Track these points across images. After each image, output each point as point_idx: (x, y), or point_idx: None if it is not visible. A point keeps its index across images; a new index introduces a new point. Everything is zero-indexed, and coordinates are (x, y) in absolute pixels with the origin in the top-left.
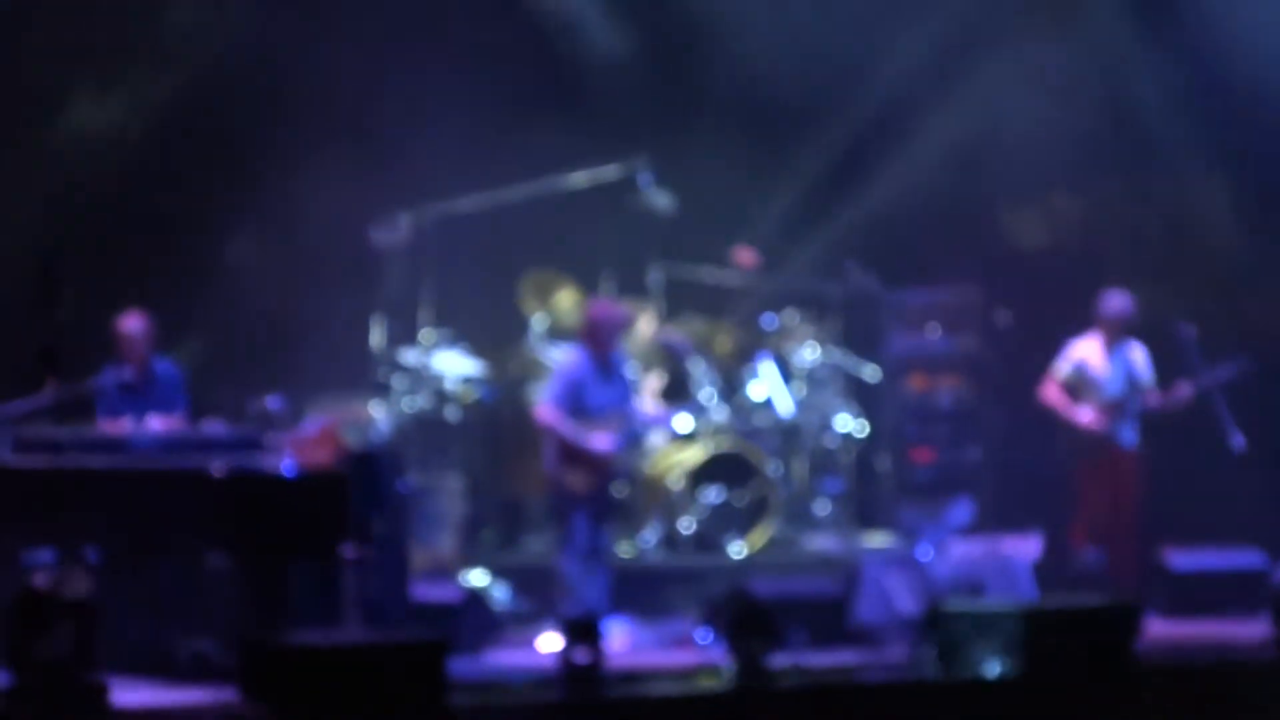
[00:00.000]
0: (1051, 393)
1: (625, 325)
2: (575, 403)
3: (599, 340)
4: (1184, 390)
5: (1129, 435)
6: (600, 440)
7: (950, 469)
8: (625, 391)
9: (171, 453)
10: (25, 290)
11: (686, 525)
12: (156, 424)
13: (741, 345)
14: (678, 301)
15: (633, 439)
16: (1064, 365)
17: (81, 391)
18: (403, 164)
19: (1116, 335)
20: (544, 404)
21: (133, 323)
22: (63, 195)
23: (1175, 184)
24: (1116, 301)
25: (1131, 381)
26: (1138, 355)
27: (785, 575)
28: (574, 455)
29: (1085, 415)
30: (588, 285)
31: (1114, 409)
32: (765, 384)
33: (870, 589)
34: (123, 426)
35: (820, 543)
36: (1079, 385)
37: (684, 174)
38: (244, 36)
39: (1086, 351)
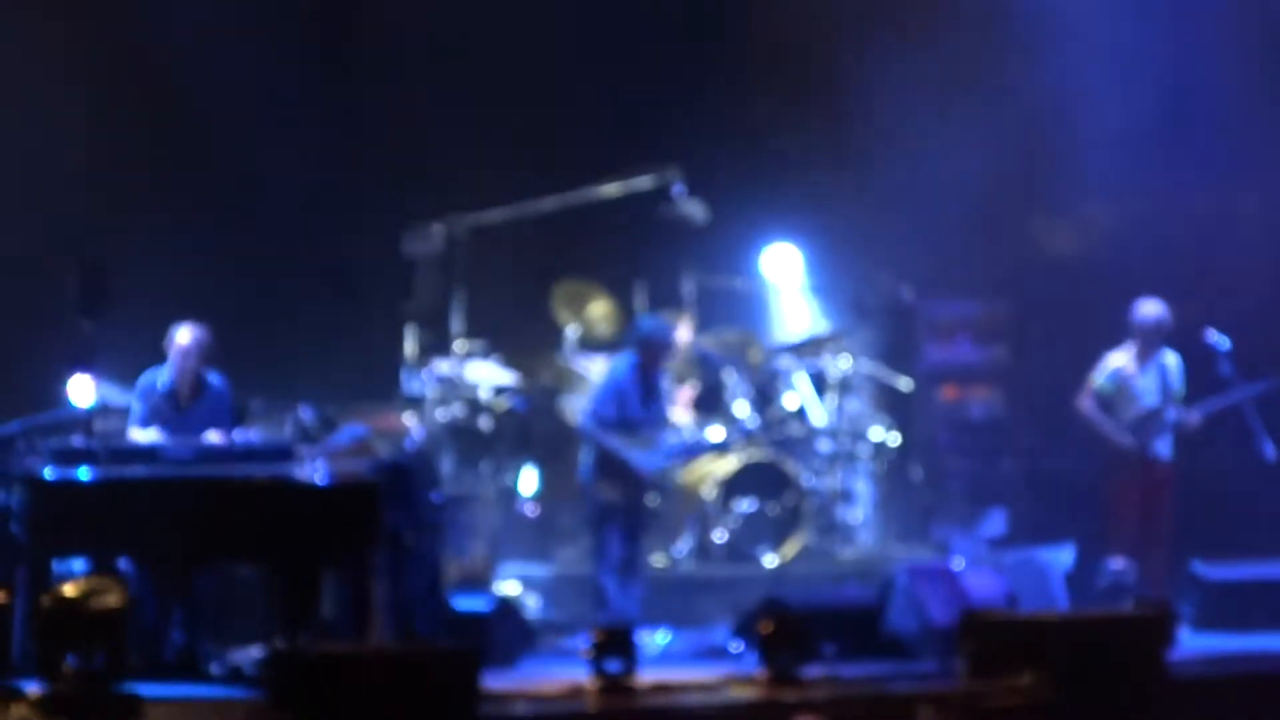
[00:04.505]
0: (1086, 406)
1: (671, 345)
2: (620, 412)
3: (652, 357)
4: (1193, 416)
5: (1163, 447)
6: (642, 458)
7: (983, 480)
8: (663, 412)
9: (205, 462)
10: (66, 294)
11: (719, 535)
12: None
13: (774, 355)
14: (711, 312)
15: (670, 459)
16: (1099, 375)
17: (118, 400)
18: (436, 174)
19: (1152, 344)
20: (588, 412)
21: (187, 335)
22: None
23: (1209, 194)
24: (1150, 309)
25: (1166, 392)
26: (1172, 364)
27: (818, 585)
28: (611, 467)
29: (1122, 437)
30: (620, 296)
31: (1149, 420)
32: (798, 394)
33: (903, 599)
34: (151, 435)
35: (853, 553)
36: (1116, 396)
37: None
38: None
39: (1122, 362)
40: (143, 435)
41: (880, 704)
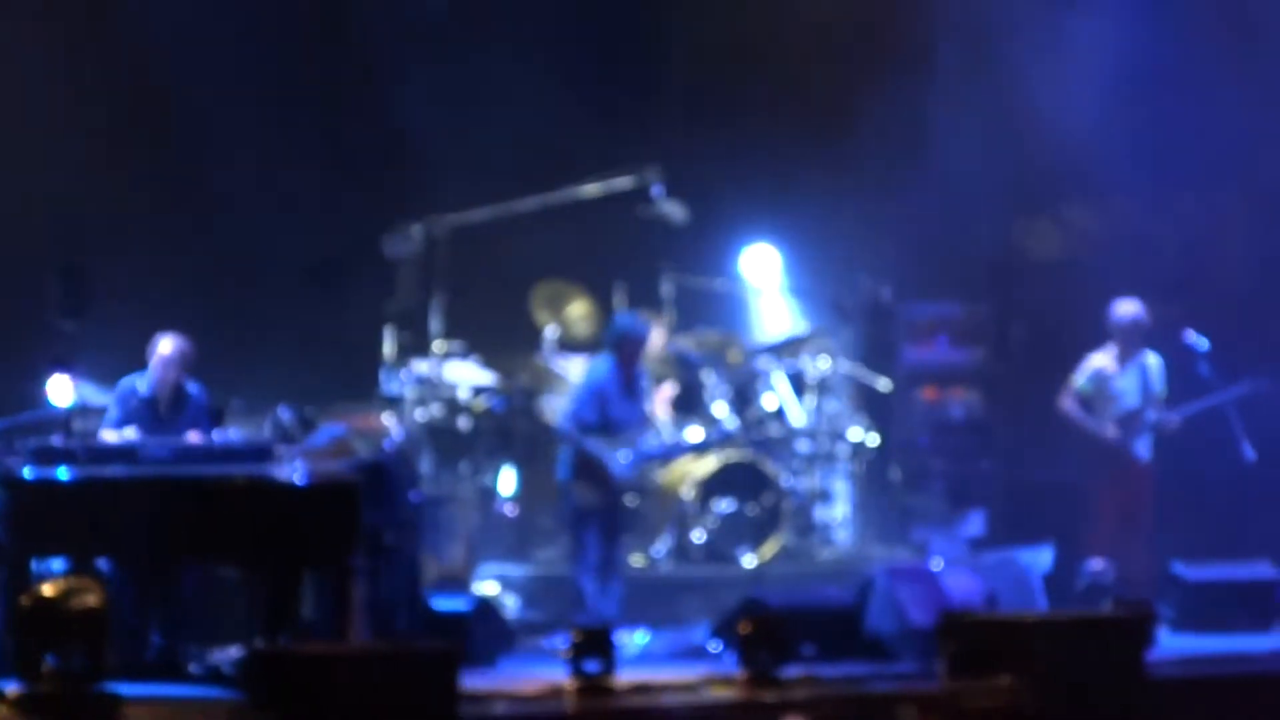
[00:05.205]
0: (1068, 406)
1: (647, 340)
2: (601, 414)
3: (628, 353)
4: (1174, 418)
5: (1143, 448)
6: (620, 460)
7: (962, 481)
8: (643, 413)
9: (184, 462)
10: (46, 294)
11: (698, 536)
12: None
13: (753, 356)
14: (690, 312)
15: (649, 460)
16: (1080, 376)
17: (97, 400)
18: (416, 174)
19: (1131, 345)
20: (568, 414)
21: (170, 345)
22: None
23: (1191, 197)
24: (1126, 309)
25: (1147, 393)
26: (1154, 365)
27: (797, 586)
28: (589, 468)
29: (1107, 430)
30: (600, 296)
31: (1130, 420)
32: (777, 395)
33: (882, 600)
34: (126, 436)
35: (831, 553)
36: (1096, 397)
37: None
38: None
39: (1103, 362)
40: (115, 437)
41: (860, 704)
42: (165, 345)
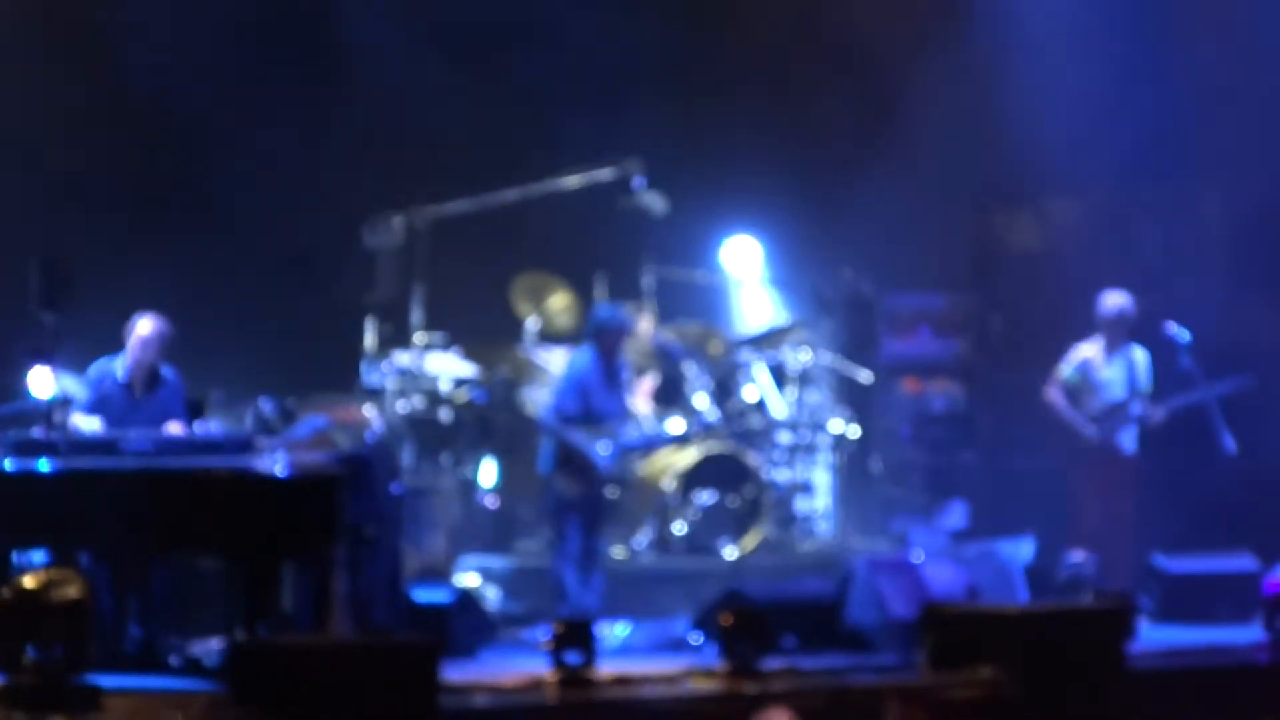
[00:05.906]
0: (1053, 396)
1: (630, 333)
2: (582, 405)
3: (609, 344)
4: (1159, 413)
5: (1128, 441)
6: (600, 447)
7: (943, 472)
8: (624, 404)
9: (165, 454)
10: (27, 286)
11: (679, 527)
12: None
13: (734, 348)
14: (671, 304)
15: (630, 450)
16: (1066, 367)
17: (73, 387)
18: (397, 165)
19: (1118, 336)
20: (550, 407)
21: (149, 325)
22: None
23: (1170, 188)
24: (1112, 300)
25: (1133, 386)
26: (1139, 358)
27: (777, 578)
28: (570, 460)
29: (1087, 429)
30: (581, 288)
31: (1114, 413)
32: (759, 386)
33: (863, 591)
34: (94, 423)
35: (812, 545)
36: (1081, 388)
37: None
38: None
39: (1091, 353)
40: (86, 422)
41: (841, 696)
42: (144, 325)
